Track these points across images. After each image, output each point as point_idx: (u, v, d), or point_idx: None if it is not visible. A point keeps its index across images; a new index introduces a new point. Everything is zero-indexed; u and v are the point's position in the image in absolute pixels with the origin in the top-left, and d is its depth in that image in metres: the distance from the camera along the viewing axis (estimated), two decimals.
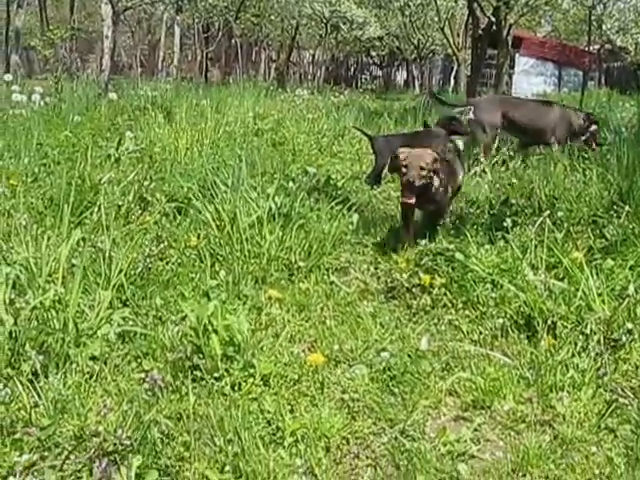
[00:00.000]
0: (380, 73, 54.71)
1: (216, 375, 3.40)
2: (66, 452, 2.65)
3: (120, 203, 5.61)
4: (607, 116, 11.23)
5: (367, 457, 3.02)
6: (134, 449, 2.75)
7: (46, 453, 2.70)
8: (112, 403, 3.07)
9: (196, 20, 31.78)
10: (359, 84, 50.23)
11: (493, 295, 4.44)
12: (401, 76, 53.42)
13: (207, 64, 33.62)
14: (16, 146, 7.29)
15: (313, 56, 41.07)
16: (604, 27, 30.55)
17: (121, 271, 4.20)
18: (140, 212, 5.82)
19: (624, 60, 37.22)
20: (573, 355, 3.73)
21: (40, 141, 7.73)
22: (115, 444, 2.71)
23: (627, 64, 38.06)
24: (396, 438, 3.11)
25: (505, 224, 5.30)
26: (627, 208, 5.46)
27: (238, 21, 26.52)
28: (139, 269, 4.49)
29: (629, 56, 35.47)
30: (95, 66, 18.64)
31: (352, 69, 55.85)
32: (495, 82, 19.33)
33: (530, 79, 28.78)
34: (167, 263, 4.85)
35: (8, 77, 11.04)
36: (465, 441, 3.11)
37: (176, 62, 32.77)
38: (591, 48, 32.56)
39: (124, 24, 32.33)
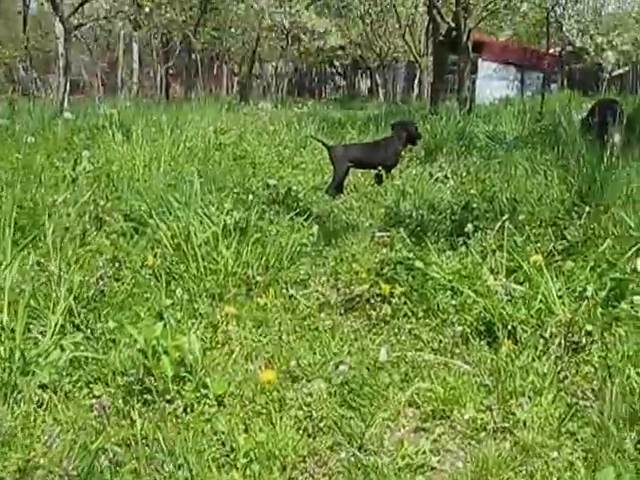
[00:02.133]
0: (344, 83, 54.91)
1: (168, 397, 3.31)
2: None
3: (72, 225, 5.46)
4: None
5: (324, 475, 2.96)
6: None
7: None
8: (60, 432, 2.98)
9: (154, 35, 31.46)
10: (323, 94, 50.46)
11: (453, 302, 4.40)
12: (365, 84, 53.65)
13: (168, 80, 33.39)
14: None
15: (275, 68, 40.95)
16: (564, 29, 30.92)
17: (71, 294, 4.08)
18: (96, 232, 5.70)
19: (585, 61, 37.73)
20: (533, 359, 3.69)
21: None
22: (61, 475, 2.61)
23: (587, 65, 38.58)
24: (354, 454, 3.04)
25: (466, 229, 5.27)
26: (587, 209, 5.47)
27: (198, 35, 26.31)
28: (92, 291, 4.38)
29: (589, 57, 35.99)
30: (55, 85, 18.35)
31: (315, 79, 56.02)
32: (458, 87, 19.41)
33: (492, 83, 28.87)
34: (122, 284, 4.73)
35: None
36: (424, 453, 3.05)
37: (135, 79, 32.52)
38: (553, 51, 32.91)
39: (81, 42, 31.85)
